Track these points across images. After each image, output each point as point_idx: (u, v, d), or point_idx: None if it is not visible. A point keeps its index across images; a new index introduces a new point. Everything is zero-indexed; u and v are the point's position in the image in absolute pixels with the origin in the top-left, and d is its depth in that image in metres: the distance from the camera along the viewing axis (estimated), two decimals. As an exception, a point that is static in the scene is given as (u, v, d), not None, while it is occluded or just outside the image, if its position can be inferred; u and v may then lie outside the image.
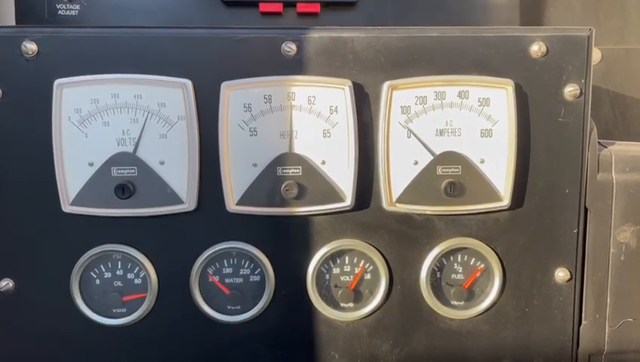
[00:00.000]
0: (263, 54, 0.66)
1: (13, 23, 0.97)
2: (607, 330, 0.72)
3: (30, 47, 0.64)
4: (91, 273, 0.69)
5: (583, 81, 0.67)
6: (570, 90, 0.67)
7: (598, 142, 0.71)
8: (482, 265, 0.71)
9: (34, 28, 0.65)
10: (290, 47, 0.66)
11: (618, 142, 0.73)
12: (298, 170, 0.67)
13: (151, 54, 0.65)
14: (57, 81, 0.64)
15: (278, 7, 0.95)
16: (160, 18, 0.95)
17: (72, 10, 0.96)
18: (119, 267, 0.69)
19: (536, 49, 0.67)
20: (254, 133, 0.66)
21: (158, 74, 0.65)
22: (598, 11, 0.97)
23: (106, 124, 0.65)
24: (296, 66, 0.66)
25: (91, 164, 0.66)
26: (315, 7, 0.95)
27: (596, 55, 0.98)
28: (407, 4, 0.96)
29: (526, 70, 0.67)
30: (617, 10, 0.97)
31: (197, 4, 0.94)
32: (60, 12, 0.96)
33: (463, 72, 0.67)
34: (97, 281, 0.69)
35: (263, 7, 0.94)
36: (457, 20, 0.95)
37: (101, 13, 0.95)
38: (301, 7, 0.95)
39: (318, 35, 0.66)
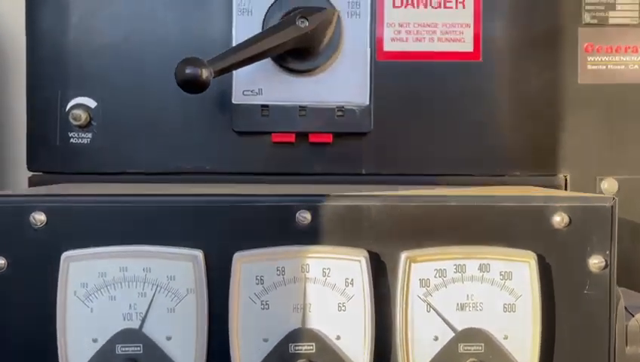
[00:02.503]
0: (277, 223, 0.65)
1: (24, 151, 0.97)
2: None
3: (39, 218, 0.63)
4: None
5: (607, 252, 0.65)
6: (595, 263, 0.65)
7: (625, 308, 0.68)
8: None
9: (43, 197, 0.64)
10: (304, 217, 0.64)
11: (646, 308, 0.70)
12: (311, 347, 0.64)
13: (162, 225, 0.64)
14: (65, 254, 0.62)
15: (290, 137, 0.95)
16: (171, 145, 0.95)
17: (84, 138, 0.96)
18: None
19: (559, 220, 0.65)
20: (266, 306, 0.64)
21: (168, 244, 0.63)
22: (612, 140, 0.97)
23: (113, 299, 0.63)
24: (310, 236, 0.64)
25: (95, 341, 0.63)
26: (328, 138, 0.95)
27: (612, 185, 0.97)
28: (420, 132, 0.95)
29: (549, 241, 0.65)
30: (633, 138, 0.97)
31: (209, 133, 0.94)
32: (72, 140, 0.96)
33: (482, 242, 0.65)
34: None
35: (276, 137, 0.94)
36: (472, 147, 0.94)
37: (113, 140, 0.95)
38: (313, 138, 0.95)
39: (333, 204, 0.65)
